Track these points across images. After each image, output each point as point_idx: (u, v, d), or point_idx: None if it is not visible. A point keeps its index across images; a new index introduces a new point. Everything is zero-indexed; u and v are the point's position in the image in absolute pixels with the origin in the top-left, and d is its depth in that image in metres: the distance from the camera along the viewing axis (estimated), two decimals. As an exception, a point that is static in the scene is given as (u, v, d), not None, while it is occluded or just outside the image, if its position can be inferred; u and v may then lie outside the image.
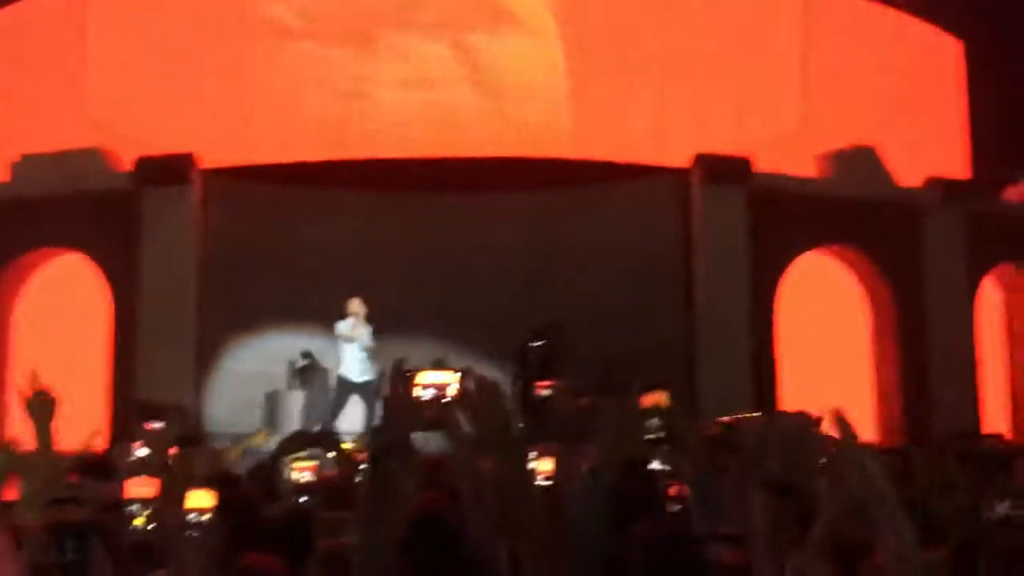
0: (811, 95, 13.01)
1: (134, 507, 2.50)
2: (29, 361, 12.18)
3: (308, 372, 11.36)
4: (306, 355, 11.50)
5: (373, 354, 10.34)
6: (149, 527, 2.48)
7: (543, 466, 2.68)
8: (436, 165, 11.95)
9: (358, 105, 12.42)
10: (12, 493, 3.93)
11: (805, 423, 2.91)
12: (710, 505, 2.46)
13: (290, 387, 11.57)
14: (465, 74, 12.58)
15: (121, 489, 2.55)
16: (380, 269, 11.69)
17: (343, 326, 10.41)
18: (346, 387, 10.35)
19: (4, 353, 12.37)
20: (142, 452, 3.91)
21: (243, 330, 12.00)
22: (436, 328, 11.78)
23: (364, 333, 10.31)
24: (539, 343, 11.02)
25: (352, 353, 10.39)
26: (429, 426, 2.32)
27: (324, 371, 11.17)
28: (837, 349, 12.40)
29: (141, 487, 2.53)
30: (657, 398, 2.47)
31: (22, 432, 3.70)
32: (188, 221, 11.75)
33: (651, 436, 2.45)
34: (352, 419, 10.48)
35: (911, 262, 12.55)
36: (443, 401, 2.24)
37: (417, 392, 2.22)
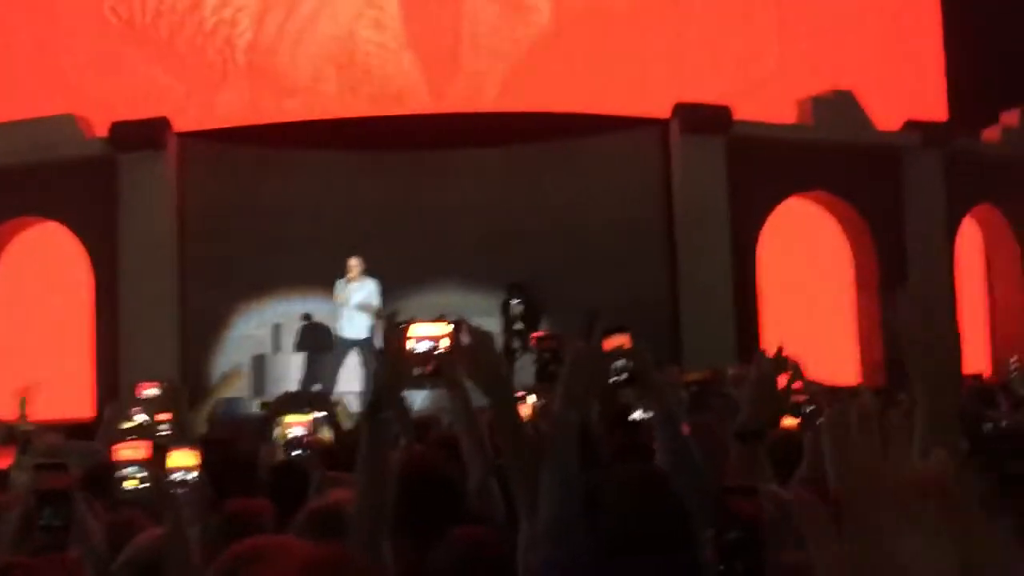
0: (787, 40, 12.96)
1: (126, 470, 2.51)
2: (9, 332, 12.18)
3: (309, 334, 11.32)
4: (306, 316, 11.46)
5: (372, 311, 10.21)
6: (141, 488, 2.49)
7: (523, 411, 2.71)
8: (413, 122, 11.85)
9: (328, 61, 12.26)
10: (5, 462, 3.95)
11: (773, 369, 2.95)
12: (675, 451, 2.48)
13: (297, 350, 11.50)
14: (437, 26, 12.42)
15: (110, 453, 2.56)
16: (361, 228, 11.65)
17: (337, 285, 10.35)
18: (343, 345, 10.31)
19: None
20: (140, 418, 3.93)
21: (229, 294, 11.95)
22: (418, 285, 11.79)
23: (346, 291, 10.21)
24: (519, 298, 11.08)
25: (347, 311, 10.33)
26: (425, 379, 2.32)
27: (328, 332, 11.11)
28: (820, 294, 12.50)
29: (131, 449, 2.53)
30: (620, 340, 2.46)
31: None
32: (165, 186, 11.64)
33: (615, 379, 2.45)
34: (349, 378, 10.50)
35: (891, 205, 12.63)
36: (437, 353, 2.23)
37: (411, 344, 2.21)
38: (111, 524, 2.86)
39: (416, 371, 2.22)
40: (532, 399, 3.30)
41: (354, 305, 10.14)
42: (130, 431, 3.94)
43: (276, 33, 12.11)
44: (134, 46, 12.19)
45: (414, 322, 2.22)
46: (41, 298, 12.04)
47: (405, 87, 12.18)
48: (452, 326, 2.26)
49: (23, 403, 4.21)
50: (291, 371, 11.18)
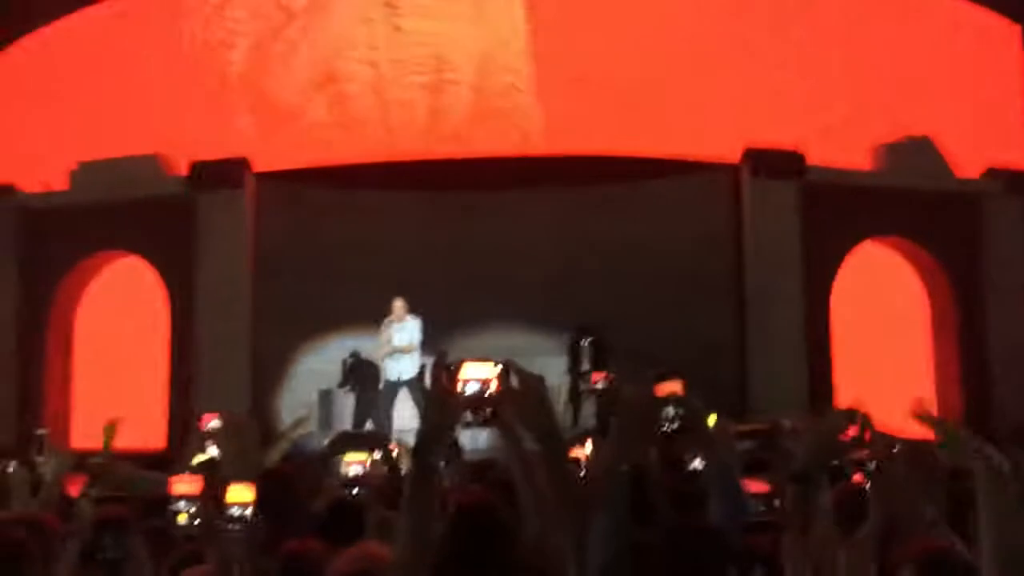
0: (863, 85, 12.76)
1: (179, 504, 2.54)
2: (91, 361, 12.56)
3: (356, 371, 11.40)
4: (354, 355, 11.58)
5: (411, 350, 10.26)
6: (193, 523, 2.52)
7: (579, 454, 2.67)
8: (486, 164, 11.97)
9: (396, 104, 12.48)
10: (75, 490, 4.05)
11: (838, 422, 2.88)
12: (728, 504, 2.41)
13: (341, 386, 11.64)
14: (510, 70, 12.57)
15: (167, 486, 2.59)
16: (429, 269, 11.75)
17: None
18: (390, 385, 10.38)
19: (68, 355, 12.71)
20: (212, 450, 4.01)
21: (298, 330, 12.14)
22: (483, 326, 11.82)
23: (388, 331, 10.26)
24: (587, 340, 10.99)
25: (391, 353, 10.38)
26: (475, 422, 2.29)
27: (374, 369, 11.18)
28: (895, 343, 12.16)
29: (185, 484, 2.57)
30: (672, 387, 2.40)
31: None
32: (242, 225, 11.95)
33: (666, 427, 2.38)
34: (404, 417, 10.53)
35: (970, 253, 12.28)
36: (486, 396, 2.21)
37: (459, 387, 2.20)
38: (180, 555, 2.90)
39: (468, 416, 2.20)
40: (588, 445, 3.26)
41: (394, 347, 10.19)
42: (201, 464, 4.00)
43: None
44: (215, 79, 12.60)
45: (464, 362, 2.21)
46: (122, 329, 12.42)
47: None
48: (500, 368, 2.24)
49: (110, 432, 4.32)
50: (351, 406, 11.28)
